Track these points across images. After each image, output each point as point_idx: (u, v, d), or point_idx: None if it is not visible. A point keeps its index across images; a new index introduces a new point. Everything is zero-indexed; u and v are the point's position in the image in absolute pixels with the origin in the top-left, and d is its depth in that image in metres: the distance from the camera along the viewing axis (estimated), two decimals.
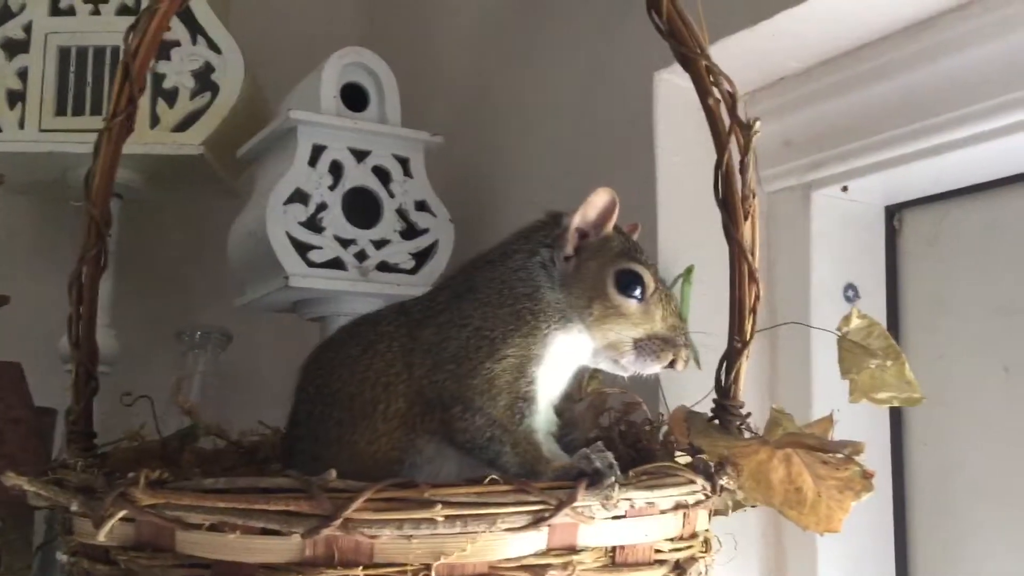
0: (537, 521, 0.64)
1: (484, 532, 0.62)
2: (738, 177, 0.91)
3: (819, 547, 1.18)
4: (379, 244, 1.41)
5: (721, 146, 0.92)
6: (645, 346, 0.83)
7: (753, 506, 0.88)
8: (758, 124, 0.90)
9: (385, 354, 0.84)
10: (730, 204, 0.91)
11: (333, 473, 0.62)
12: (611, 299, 0.83)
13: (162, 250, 1.88)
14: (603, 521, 0.68)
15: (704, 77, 0.92)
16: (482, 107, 1.64)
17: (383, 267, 1.41)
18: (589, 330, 0.84)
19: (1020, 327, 1.12)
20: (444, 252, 1.45)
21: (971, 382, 1.16)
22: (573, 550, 0.67)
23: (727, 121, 0.92)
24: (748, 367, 1.23)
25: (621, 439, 1.01)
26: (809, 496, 0.79)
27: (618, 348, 0.84)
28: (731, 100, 0.92)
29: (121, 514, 0.64)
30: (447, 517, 0.61)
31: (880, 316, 1.24)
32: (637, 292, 0.84)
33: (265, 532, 0.62)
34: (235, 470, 0.93)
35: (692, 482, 0.74)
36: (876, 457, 1.22)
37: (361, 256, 1.39)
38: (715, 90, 0.92)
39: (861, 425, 1.21)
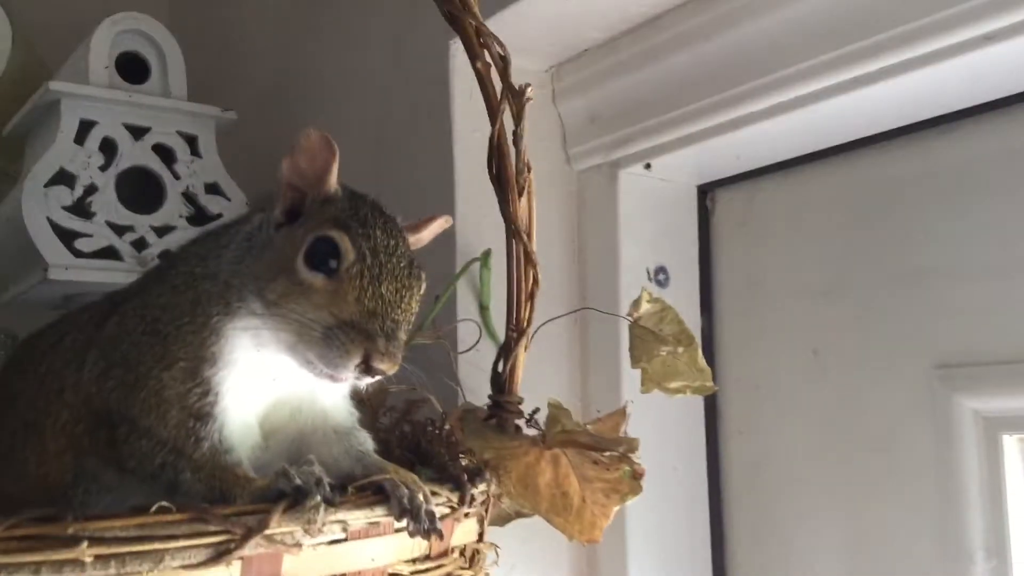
0: (221, 554, 0.53)
1: (150, 572, 0.51)
2: (511, 149, 0.83)
3: (630, 544, 1.11)
4: (162, 231, 1.27)
5: (492, 115, 0.83)
6: (333, 337, 0.64)
7: (523, 515, 0.80)
8: (530, 91, 0.82)
9: (67, 351, 0.70)
10: (503, 179, 0.83)
11: None
12: (297, 273, 0.66)
13: None
14: (318, 548, 0.58)
15: (472, 39, 0.83)
16: (283, 84, 1.52)
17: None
18: (271, 313, 0.66)
19: (828, 309, 1.08)
20: None
21: (781, 366, 1.12)
22: None
23: (499, 88, 0.84)
24: (556, 359, 1.17)
25: (400, 442, 0.92)
26: (575, 501, 0.72)
27: (306, 339, 0.65)
28: (503, 64, 0.83)
29: None
30: (98, 557, 0.50)
31: (692, 301, 1.18)
32: (330, 264, 0.65)
33: None
34: None
35: (435, 494, 0.65)
36: (691, 448, 1.17)
37: (140, 244, 1.25)
38: (485, 53, 0.83)
39: (674, 414, 1.15)
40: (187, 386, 0.65)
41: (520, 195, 0.82)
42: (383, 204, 0.71)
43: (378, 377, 0.65)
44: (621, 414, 0.90)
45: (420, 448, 0.91)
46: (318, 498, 0.57)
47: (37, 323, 1.58)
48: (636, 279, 1.15)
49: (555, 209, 1.20)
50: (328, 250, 0.66)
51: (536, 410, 0.89)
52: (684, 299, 1.17)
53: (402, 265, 0.67)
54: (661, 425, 1.14)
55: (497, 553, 0.81)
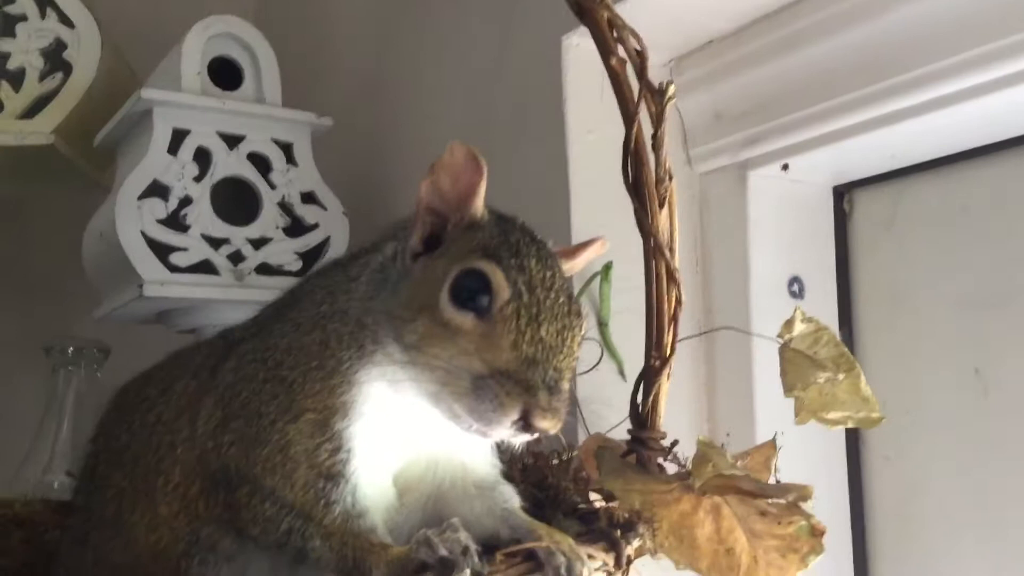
0: None
1: None
2: (650, 155, 0.74)
3: None
4: (258, 243, 1.22)
5: (629, 117, 0.74)
6: (486, 388, 0.55)
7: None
8: (672, 88, 0.73)
9: (179, 399, 0.62)
10: (641, 189, 0.74)
11: None
12: (441, 312, 0.57)
13: (29, 254, 1.66)
14: None
15: (605, 32, 0.74)
16: (380, 86, 1.45)
17: (264, 269, 1.22)
18: (411, 360, 0.57)
19: (992, 321, 0.96)
20: (337, 250, 1.26)
21: (937, 386, 1.01)
22: None
23: (635, 87, 0.75)
24: (680, 379, 1.08)
25: (524, 477, 0.83)
26: (743, 560, 0.62)
27: (452, 389, 0.56)
28: (640, 60, 0.74)
29: None
30: None
31: (830, 313, 1.08)
32: (480, 302, 0.57)
33: None
34: None
35: (591, 557, 0.56)
36: (832, 474, 1.06)
37: (236, 258, 1.20)
38: (620, 48, 0.74)
39: (812, 439, 1.04)
40: (316, 441, 0.57)
41: (661, 206, 0.73)
42: (532, 227, 0.63)
43: (536, 436, 0.56)
44: (770, 448, 0.80)
45: (546, 483, 0.83)
46: (467, 571, 0.49)
47: (130, 337, 1.56)
48: (768, 291, 1.05)
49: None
50: (477, 285, 0.57)
51: (675, 443, 0.81)
52: (821, 312, 1.06)
53: (561, 301, 0.58)
54: (798, 450, 1.03)
55: None
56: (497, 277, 0.57)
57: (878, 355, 1.06)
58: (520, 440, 0.57)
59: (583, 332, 0.60)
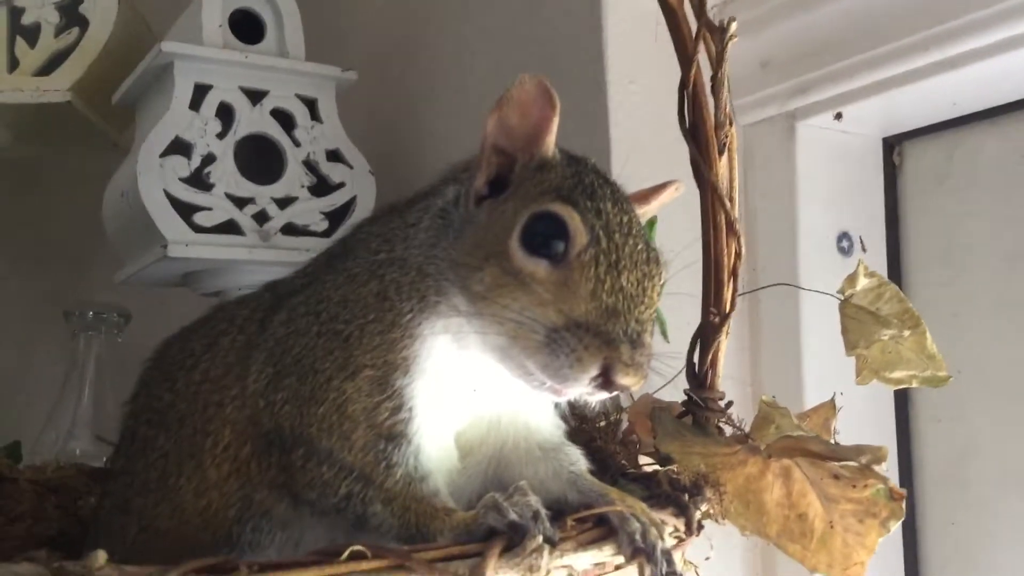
0: None
1: None
2: (710, 98, 0.70)
3: None
4: (283, 202, 1.18)
5: (687, 58, 0.70)
6: (562, 342, 0.50)
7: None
8: (734, 26, 0.69)
9: (226, 354, 0.59)
10: (701, 134, 0.70)
11: (101, 557, 0.40)
12: (511, 259, 0.53)
13: (48, 217, 1.63)
14: None
15: None
16: (406, 37, 1.40)
17: (289, 230, 1.18)
18: (479, 311, 0.53)
19: None
20: (364, 210, 1.22)
21: (992, 345, 0.97)
22: None
23: (694, 25, 0.70)
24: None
25: (570, 439, 0.80)
26: (817, 526, 0.59)
27: (524, 342, 0.52)
28: None
29: None
30: None
31: (880, 270, 1.03)
32: (555, 248, 0.52)
33: None
34: (21, 520, 0.70)
35: (663, 523, 0.53)
36: (881, 437, 1.03)
37: (261, 217, 1.16)
38: None
39: (861, 401, 1.01)
40: (375, 399, 0.53)
41: (721, 153, 0.69)
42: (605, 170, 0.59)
43: (616, 393, 0.52)
44: (830, 408, 0.77)
45: (593, 446, 0.80)
46: (539, 537, 0.45)
47: (156, 302, 1.52)
48: (816, 248, 1.01)
49: None
50: (552, 230, 0.52)
51: (730, 403, 0.77)
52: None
53: (640, 248, 0.54)
54: (845, 413, 1.00)
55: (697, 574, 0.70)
56: (574, 221, 0.53)
57: (929, 313, 0.99)
58: (597, 398, 0.53)
59: (662, 282, 0.56)
